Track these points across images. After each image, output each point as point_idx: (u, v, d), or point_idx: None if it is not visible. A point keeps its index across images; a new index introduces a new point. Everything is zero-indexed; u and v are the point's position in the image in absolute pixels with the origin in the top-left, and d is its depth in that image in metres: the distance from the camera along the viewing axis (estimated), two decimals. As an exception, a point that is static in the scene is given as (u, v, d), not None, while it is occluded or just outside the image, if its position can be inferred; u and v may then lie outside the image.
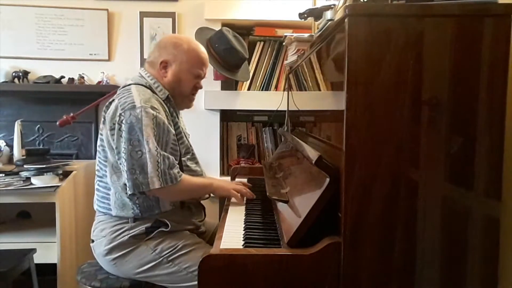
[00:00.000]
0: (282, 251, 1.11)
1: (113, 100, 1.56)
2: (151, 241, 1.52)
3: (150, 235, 1.53)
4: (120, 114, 1.47)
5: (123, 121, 1.46)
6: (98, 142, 1.59)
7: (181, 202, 1.62)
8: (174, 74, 1.62)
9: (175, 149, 1.55)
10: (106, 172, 1.57)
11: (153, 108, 1.47)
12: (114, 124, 1.49)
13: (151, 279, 1.52)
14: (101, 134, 1.57)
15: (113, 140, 1.50)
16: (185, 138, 1.65)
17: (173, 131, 1.55)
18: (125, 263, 1.52)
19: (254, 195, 1.73)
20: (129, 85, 1.59)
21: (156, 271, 1.50)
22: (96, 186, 1.63)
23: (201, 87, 1.71)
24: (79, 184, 2.30)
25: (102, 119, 1.58)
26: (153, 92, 1.59)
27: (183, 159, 1.61)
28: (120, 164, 1.49)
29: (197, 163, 1.70)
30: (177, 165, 1.51)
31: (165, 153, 1.47)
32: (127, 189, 1.47)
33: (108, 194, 1.56)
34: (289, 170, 1.66)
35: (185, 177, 1.54)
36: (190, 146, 1.69)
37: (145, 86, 1.59)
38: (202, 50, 1.68)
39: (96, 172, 1.62)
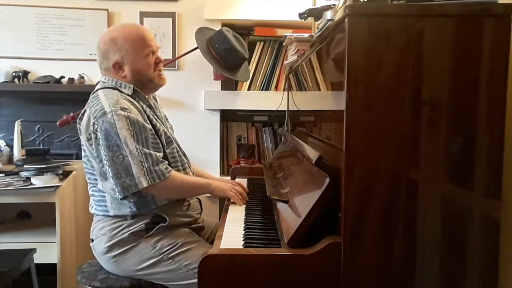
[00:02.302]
0: (282, 251, 1.11)
1: (85, 110, 1.54)
2: (151, 238, 1.52)
3: (150, 232, 1.53)
4: (93, 123, 1.46)
5: (98, 129, 1.45)
6: (83, 153, 1.59)
7: None
8: (130, 68, 1.58)
9: (156, 143, 1.54)
10: (95, 180, 1.57)
11: (123, 109, 1.46)
12: (90, 134, 1.48)
13: (152, 276, 1.52)
14: (83, 145, 1.56)
15: (93, 149, 1.50)
16: (163, 128, 1.61)
17: (150, 126, 1.53)
18: (126, 261, 1.52)
19: (247, 198, 1.72)
20: (97, 91, 1.59)
21: (156, 268, 1.50)
22: (90, 192, 1.63)
23: (161, 60, 1.65)
24: (79, 184, 2.30)
25: (78, 131, 1.57)
26: (120, 91, 1.57)
27: (167, 150, 1.59)
28: (106, 171, 1.49)
29: (178, 152, 1.65)
30: (164, 161, 1.50)
31: (147, 150, 1.46)
32: (117, 194, 1.47)
33: (104, 197, 1.56)
34: (289, 170, 1.66)
35: (178, 174, 1.54)
36: (171, 135, 1.66)
37: (111, 88, 1.58)
38: (137, 27, 1.64)
39: (88, 180, 1.62)
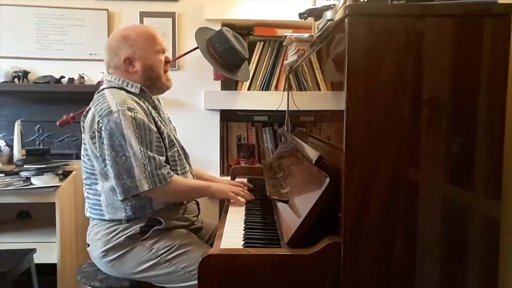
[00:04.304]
0: (282, 251, 1.11)
1: (90, 108, 1.54)
2: (147, 241, 1.52)
3: (146, 235, 1.52)
4: (98, 121, 1.45)
5: (103, 128, 1.44)
6: (82, 152, 1.58)
7: None
8: (142, 64, 1.59)
9: (160, 146, 1.53)
10: (94, 180, 1.56)
11: (130, 109, 1.45)
12: (94, 132, 1.47)
13: (150, 279, 1.51)
14: (84, 144, 1.55)
15: (96, 148, 1.48)
16: (166, 130, 1.61)
17: (155, 128, 1.53)
18: (123, 264, 1.51)
19: (252, 197, 1.71)
20: (102, 90, 1.58)
21: (153, 271, 1.49)
22: (85, 194, 1.61)
23: (170, 60, 1.69)
24: (79, 184, 2.29)
25: (82, 129, 1.56)
26: (126, 91, 1.57)
27: (169, 153, 1.58)
28: (107, 171, 1.48)
29: (180, 155, 1.65)
30: (166, 165, 1.50)
31: (151, 154, 1.46)
32: (118, 195, 1.46)
33: (99, 201, 1.55)
34: (289, 170, 1.66)
35: (178, 178, 1.52)
36: (175, 137, 1.66)
37: (118, 88, 1.57)
38: (148, 26, 1.72)
39: (84, 181, 1.61)
